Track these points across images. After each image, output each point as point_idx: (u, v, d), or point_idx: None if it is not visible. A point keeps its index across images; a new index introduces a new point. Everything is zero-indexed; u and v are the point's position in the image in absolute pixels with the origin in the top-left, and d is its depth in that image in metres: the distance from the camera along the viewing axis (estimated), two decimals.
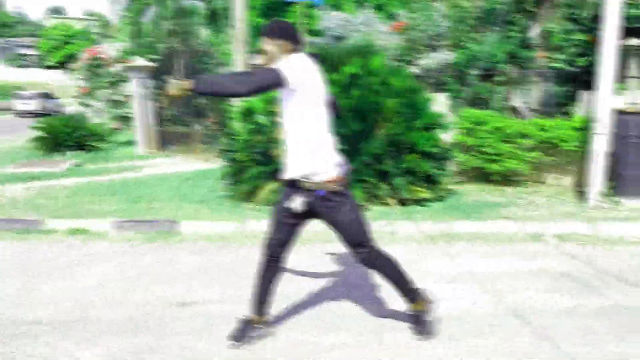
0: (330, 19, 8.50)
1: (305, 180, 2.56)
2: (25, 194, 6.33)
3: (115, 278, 3.79)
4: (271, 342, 2.83)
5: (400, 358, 2.66)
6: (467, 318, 3.09)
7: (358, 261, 2.74)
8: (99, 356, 2.70)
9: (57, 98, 26.61)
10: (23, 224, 5.07)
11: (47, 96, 26.19)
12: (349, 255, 4.16)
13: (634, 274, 3.74)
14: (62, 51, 45.24)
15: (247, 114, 5.72)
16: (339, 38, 8.38)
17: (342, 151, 5.24)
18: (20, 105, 24.61)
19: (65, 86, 32.12)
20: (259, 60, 8.32)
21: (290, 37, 2.53)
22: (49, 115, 13.79)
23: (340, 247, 4.36)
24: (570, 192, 6.03)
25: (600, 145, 5.38)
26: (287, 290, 3.40)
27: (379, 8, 13.47)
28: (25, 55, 51.38)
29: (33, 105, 24.34)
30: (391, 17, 12.32)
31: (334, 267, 3.93)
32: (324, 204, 2.58)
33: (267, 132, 5.44)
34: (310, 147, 2.53)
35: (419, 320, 2.84)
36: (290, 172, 2.60)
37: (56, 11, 69.72)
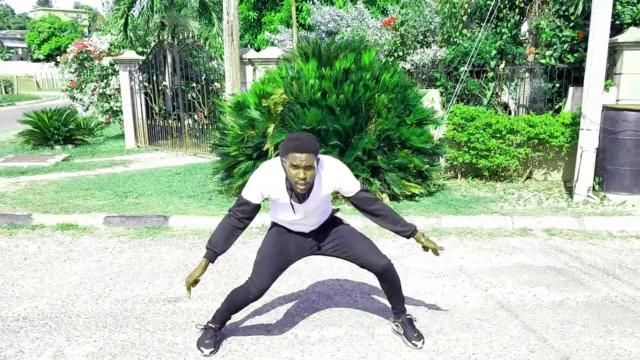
0: (321, 14, 8.47)
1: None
2: (13, 189, 6.26)
3: (102, 274, 3.77)
4: (263, 337, 2.83)
5: (390, 352, 2.68)
6: (456, 312, 3.12)
7: (387, 267, 2.68)
8: (87, 352, 2.69)
9: None
10: (10, 219, 5.02)
11: None
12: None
13: (620, 268, 3.79)
14: (50, 44, 44.67)
15: (239, 108, 5.69)
16: (330, 33, 8.36)
17: (334, 146, 5.28)
18: None
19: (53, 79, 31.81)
20: (249, 53, 8.20)
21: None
22: None
23: None
24: (558, 188, 6.09)
25: (588, 140, 5.44)
26: (278, 286, 3.40)
27: (370, 3, 13.42)
28: (12, 48, 50.68)
29: None
30: (383, 12, 12.30)
31: (323, 263, 3.94)
32: (341, 225, 2.76)
33: (259, 127, 5.42)
34: None
35: (413, 324, 2.80)
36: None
37: (43, 3, 68.80)
